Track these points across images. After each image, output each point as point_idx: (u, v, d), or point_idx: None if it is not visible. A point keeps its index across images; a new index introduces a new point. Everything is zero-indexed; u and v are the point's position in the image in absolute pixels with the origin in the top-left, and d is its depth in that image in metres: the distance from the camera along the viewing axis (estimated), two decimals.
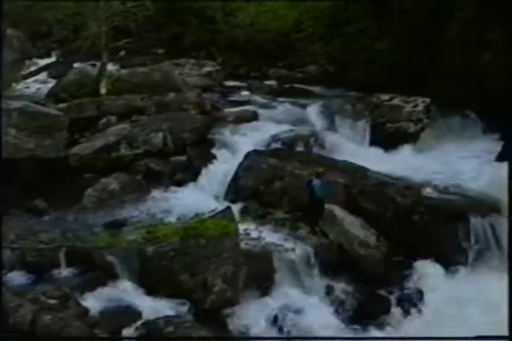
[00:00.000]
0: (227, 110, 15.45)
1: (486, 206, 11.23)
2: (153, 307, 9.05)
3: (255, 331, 9.28)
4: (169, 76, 17.19)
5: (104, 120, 14.69)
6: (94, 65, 18.48)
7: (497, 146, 13.13)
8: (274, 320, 9.50)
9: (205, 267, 9.43)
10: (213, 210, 11.13)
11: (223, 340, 9.25)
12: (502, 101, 13.48)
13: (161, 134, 13.67)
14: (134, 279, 9.47)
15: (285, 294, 9.92)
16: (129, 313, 8.89)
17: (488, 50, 14.37)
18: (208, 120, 14.70)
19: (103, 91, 15.93)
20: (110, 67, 17.96)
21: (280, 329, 9.43)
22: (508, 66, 13.68)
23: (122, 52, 23.80)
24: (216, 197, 12.14)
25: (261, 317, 9.51)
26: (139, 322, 8.76)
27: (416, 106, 14.42)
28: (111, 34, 17.26)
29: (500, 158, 12.73)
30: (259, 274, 9.93)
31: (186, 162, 13.31)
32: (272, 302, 9.77)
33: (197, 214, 10.94)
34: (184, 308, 9.16)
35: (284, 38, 21.62)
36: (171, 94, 15.84)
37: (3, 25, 14.44)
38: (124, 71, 17.98)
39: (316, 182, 11.12)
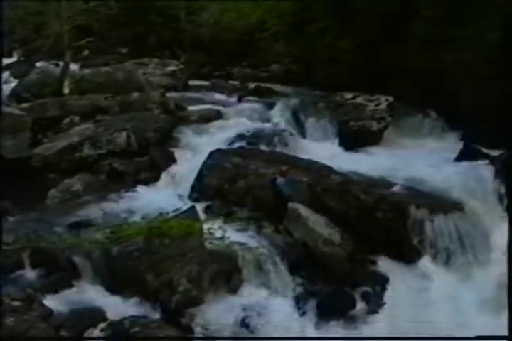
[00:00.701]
0: (190, 109, 15.43)
1: (448, 204, 11.35)
2: (118, 307, 8.98)
3: (221, 330, 9.27)
4: (133, 75, 17.14)
5: (67, 120, 14.60)
6: (57, 65, 18.39)
7: (458, 145, 13.27)
8: (240, 319, 9.49)
9: (169, 267, 9.38)
10: (177, 209, 11.13)
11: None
12: (463, 100, 13.65)
13: (124, 134, 13.62)
14: (99, 279, 9.40)
15: (250, 293, 9.93)
16: (95, 314, 8.81)
17: (450, 50, 14.49)
18: (172, 119, 14.69)
19: (66, 91, 15.83)
20: (73, 66, 17.85)
21: (246, 328, 9.42)
22: (470, 65, 13.82)
23: (85, 52, 23.70)
24: (180, 197, 12.13)
25: (227, 316, 9.49)
26: (104, 323, 8.67)
27: (379, 104, 14.54)
28: (74, 33, 17.15)
29: (460, 156, 12.87)
30: (224, 273, 9.92)
31: (150, 161, 13.28)
32: (238, 301, 9.76)
33: (161, 214, 10.93)
34: (150, 308, 9.10)
35: (247, 37, 21.66)
36: (135, 94, 15.79)
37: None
38: (87, 70, 17.90)
39: (280, 180, 11.15)
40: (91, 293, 9.24)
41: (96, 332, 8.57)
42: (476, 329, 9.65)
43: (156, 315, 9.04)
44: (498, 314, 9.87)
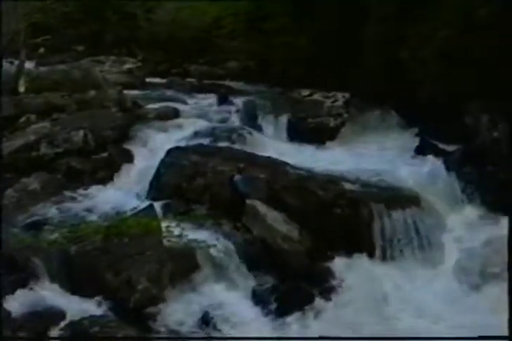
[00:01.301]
0: (148, 107, 15.37)
1: (405, 199, 11.44)
2: (77, 307, 8.89)
3: (182, 328, 9.24)
4: (89, 73, 16.99)
5: (23, 119, 14.41)
6: (11, 63, 18.14)
7: (414, 140, 13.40)
8: (200, 316, 9.47)
9: (128, 265, 9.36)
10: (135, 208, 11.11)
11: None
12: (419, 97, 13.78)
13: (81, 132, 13.51)
14: (57, 280, 9.28)
15: (210, 290, 9.92)
16: (53, 314, 8.71)
17: (404, 47, 14.61)
18: (129, 117, 14.61)
19: (22, 89, 15.63)
20: (29, 64, 17.67)
21: (206, 325, 9.39)
22: (425, 62, 13.95)
23: (41, 50, 23.45)
24: (138, 195, 12.07)
25: (187, 314, 9.47)
26: (63, 323, 8.60)
27: (336, 101, 14.64)
28: (29, 31, 16.99)
29: (417, 151, 13.00)
30: (183, 271, 9.91)
31: (107, 160, 13.19)
32: (197, 299, 9.74)
33: (118, 213, 10.89)
34: (109, 307, 9.04)
35: (204, 35, 21.66)
36: (92, 92, 15.66)
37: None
38: (43, 68, 17.73)
39: (237, 178, 11.17)
40: (50, 294, 9.13)
41: (55, 333, 8.53)
42: (434, 322, 9.87)
43: (116, 315, 8.95)
44: (453, 306, 10.10)
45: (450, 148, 13.06)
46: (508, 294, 8.49)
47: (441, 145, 13.26)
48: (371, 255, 10.92)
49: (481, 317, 9.77)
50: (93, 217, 10.93)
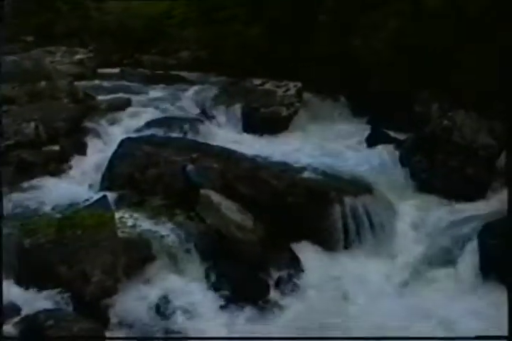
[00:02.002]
0: (100, 98, 15.24)
1: (357, 187, 11.55)
2: (32, 301, 8.83)
3: (137, 319, 9.25)
4: (40, 64, 16.80)
5: None
6: None
7: (366, 129, 13.51)
8: (156, 307, 9.50)
9: (83, 258, 9.27)
10: (88, 200, 11.04)
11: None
12: (371, 85, 13.89)
13: (32, 124, 13.34)
14: (12, 273, 9.18)
15: (165, 281, 9.91)
16: (8, 309, 8.60)
17: (356, 36, 14.69)
18: (81, 108, 14.45)
19: None
20: None
21: (162, 316, 9.43)
22: (376, 51, 14.06)
23: None
24: (91, 187, 11.97)
25: (142, 305, 9.46)
26: (17, 318, 8.52)
27: (288, 90, 14.63)
28: None
29: (368, 140, 13.11)
30: (138, 262, 9.88)
31: (59, 152, 13.05)
32: (153, 290, 9.73)
33: (72, 205, 10.81)
34: (64, 301, 8.96)
35: (156, 24, 21.49)
36: (43, 83, 15.46)
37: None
38: None
39: (190, 168, 11.16)
40: (4, 288, 9.05)
41: (9, 328, 8.46)
42: (389, 309, 10.01)
43: (71, 308, 8.90)
44: (404, 294, 10.27)
45: (401, 136, 13.18)
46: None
47: (393, 134, 13.39)
48: (325, 244, 11.02)
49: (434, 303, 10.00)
50: (46, 210, 10.82)
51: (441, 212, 11.60)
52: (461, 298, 10.19)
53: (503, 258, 10.23)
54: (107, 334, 8.73)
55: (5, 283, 9.09)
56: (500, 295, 9.85)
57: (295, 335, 9.09)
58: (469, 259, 10.54)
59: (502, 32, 11.70)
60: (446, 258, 10.79)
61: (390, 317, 9.61)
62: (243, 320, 9.70)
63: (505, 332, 7.60)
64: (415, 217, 11.59)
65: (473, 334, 8.75)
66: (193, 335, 9.19)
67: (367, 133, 13.70)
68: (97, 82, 17.35)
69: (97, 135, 13.48)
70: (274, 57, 15.53)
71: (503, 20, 11.79)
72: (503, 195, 11.54)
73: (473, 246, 10.60)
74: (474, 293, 10.26)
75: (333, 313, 9.75)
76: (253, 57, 16.20)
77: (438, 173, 12.01)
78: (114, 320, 9.20)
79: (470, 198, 11.73)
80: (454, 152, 11.94)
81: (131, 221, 10.21)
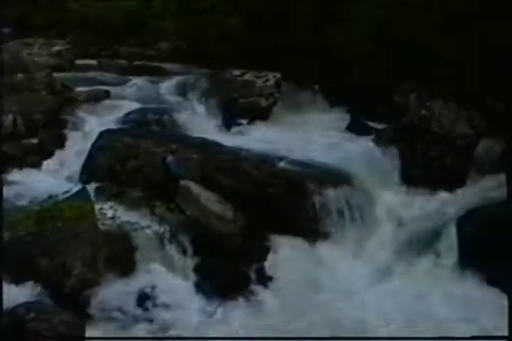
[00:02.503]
0: (78, 89, 15.15)
1: (337, 177, 11.58)
2: (12, 294, 8.72)
3: (118, 311, 9.27)
4: (17, 56, 16.66)
5: None
6: None
7: (346, 119, 13.53)
8: (137, 300, 9.51)
9: (63, 250, 9.27)
10: (67, 192, 11.01)
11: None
12: (350, 76, 13.91)
13: (10, 116, 13.25)
14: None
15: (146, 272, 9.93)
16: None
17: (336, 28, 14.69)
18: (59, 100, 14.37)
19: None
20: None
21: (143, 309, 9.45)
22: (357, 43, 14.07)
23: None
24: (70, 179, 11.90)
25: (123, 297, 9.48)
26: None
27: (267, 81, 14.60)
28: None
29: (347, 130, 13.13)
30: (118, 254, 9.88)
31: (38, 144, 12.98)
32: (133, 282, 9.75)
33: (51, 197, 10.76)
34: (45, 293, 8.95)
35: (135, 16, 21.38)
36: (20, 75, 15.34)
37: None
38: None
39: (170, 159, 11.15)
40: None
41: None
42: (368, 297, 10.09)
43: (52, 300, 8.88)
44: (389, 281, 10.33)
45: (381, 126, 13.22)
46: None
47: (372, 124, 13.42)
48: (305, 234, 11.06)
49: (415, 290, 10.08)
50: (25, 202, 10.77)
51: (422, 201, 11.69)
52: (440, 285, 10.34)
53: (481, 246, 10.38)
54: (88, 327, 8.69)
55: None
56: (479, 282, 10.07)
57: (274, 327, 9.24)
58: (449, 247, 10.66)
59: (482, 23, 11.77)
60: (427, 246, 10.90)
61: (368, 307, 9.76)
62: (224, 312, 9.74)
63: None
64: (396, 207, 11.66)
65: (453, 319, 8.96)
66: (172, 326, 9.23)
67: (346, 123, 13.72)
68: (75, 73, 17.17)
69: (76, 127, 13.39)
70: (254, 48, 15.49)
71: (483, 11, 11.86)
72: (482, 183, 11.71)
73: (452, 233, 10.71)
74: (453, 279, 10.40)
75: (311, 303, 9.85)
76: (232, 48, 16.15)
77: (418, 163, 12.09)
78: (94, 312, 9.20)
79: (449, 187, 11.81)
80: (432, 142, 12.02)
81: (111, 212, 10.20)
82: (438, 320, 9.42)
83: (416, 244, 10.97)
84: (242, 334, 9.19)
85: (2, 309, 8.05)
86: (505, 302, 9.04)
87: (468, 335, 8.50)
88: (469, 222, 10.77)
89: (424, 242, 10.94)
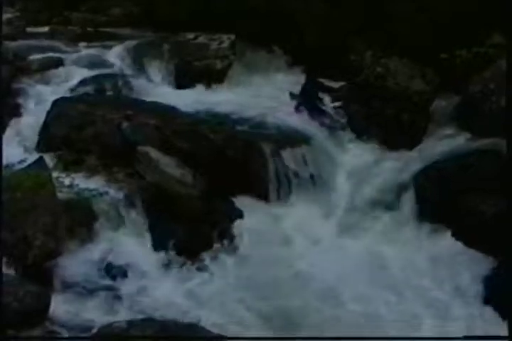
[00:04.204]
0: (30, 58, 14.90)
1: (294, 138, 11.64)
2: None
3: (81, 280, 9.29)
4: None
5: None
6: None
7: (302, 78, 13.48)
8: (101, 266, 9.55)
9: (23, 221, 9.20)
10: (24, 161, 10.92)
11: None
12: (306, 37, 13.87)
13: None
14: None
15: (108, 239, 9.97)
16: None
17: None
18: (12, 69, 14.13)
19: None
20: None
21: (108, 275, 9.51)
22: (310, 2, 14.00)
23: None
24: (27, 149, 11.75)
25: (86, 265, 9.52)
26: None
27: (221, 43, 14.44)
28: None
29: (303, 89, 13.08)
30: (80, 222, 9.88)
31: None
32: (96, 249, 9.79)
33: (7, 167, 10.63)
34: (8, 265, 8.84)
35: None
36: None
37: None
38: None
39: (126, 125, 11.07)
40: None
41: None
42: (329, 253, 10.22)
43: (16, 272, 8.83)
44: (356, 237, 10.43)
45: (337, 85, 13.21)
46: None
47: (328, 83, 13.39)
48: (266, 196, 11.11)
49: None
50: None
51: (380, 160, 11.76)
52: (400, 240, 10.50)
53: (440, 201, 10.53)
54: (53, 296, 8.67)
55: None
56: (440, 236, 10.22)
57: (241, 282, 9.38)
58: (408, 202, 10.82)
59: None
60: (387, 203, 11.05)
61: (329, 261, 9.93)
62: (187, 276, 9.82)
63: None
64: (354, 166, 11.72)
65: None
66: (137, 293, 9.26)
67: (302, 83, 13.69)
68: (26, 41, 16.86)
69: (30, 96, 13.16)
70: (207, 10, 15.31)
71: None
72: (438, 140, 11.81)
73: (411, 190, 10.86)
74: (412, 233, 10.60)
75: (273, 267, 9.93)
76: (185, 11, 15.95)
77: (374, 121, 12.12)
78: (59, 281, 9.19)
79: (407, 144, 11.87)
80: (389, 99, 12.04)
81: (68, 180, 10.16)
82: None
83: (376, 201, 11.10)
84: (203, 291, 9.40)
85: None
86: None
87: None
88: (427, 178, 10.94)
89: (385, 199, 11.07)
